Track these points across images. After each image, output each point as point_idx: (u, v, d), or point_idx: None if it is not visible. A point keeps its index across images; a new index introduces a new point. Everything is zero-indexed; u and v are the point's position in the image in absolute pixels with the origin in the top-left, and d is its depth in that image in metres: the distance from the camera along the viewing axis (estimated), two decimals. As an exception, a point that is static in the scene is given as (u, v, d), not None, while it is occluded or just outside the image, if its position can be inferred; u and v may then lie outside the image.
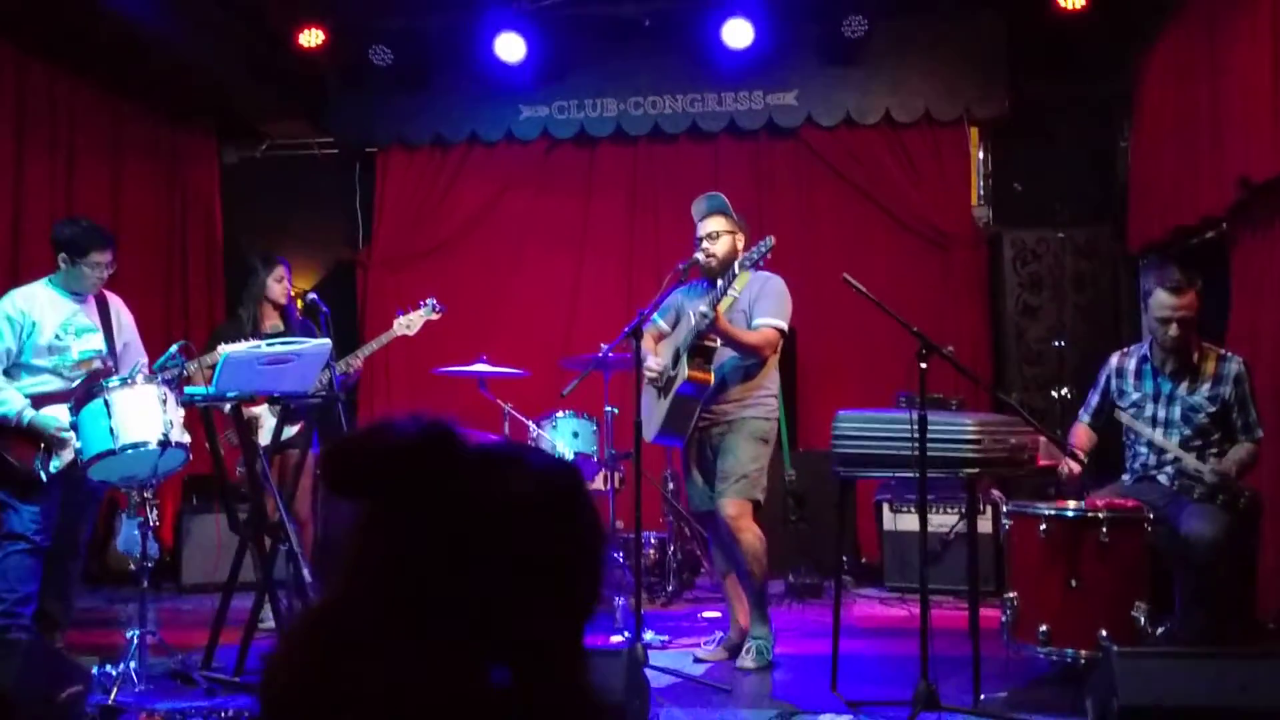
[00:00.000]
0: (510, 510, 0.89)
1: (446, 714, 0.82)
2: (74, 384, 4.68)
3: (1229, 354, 4.56)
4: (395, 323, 5.71)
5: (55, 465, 4.57)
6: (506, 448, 0.93)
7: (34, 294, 4.74)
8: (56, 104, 6.75)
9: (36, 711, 3.54)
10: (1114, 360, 4.78)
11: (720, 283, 4.62)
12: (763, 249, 4.49)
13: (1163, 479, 4.53)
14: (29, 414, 4.53)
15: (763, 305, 4.71)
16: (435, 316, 5.75)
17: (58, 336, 4.69)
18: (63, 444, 4.55)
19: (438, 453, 0.90)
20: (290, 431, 5.23)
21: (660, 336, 4.97)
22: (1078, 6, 6.69)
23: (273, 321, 5.62)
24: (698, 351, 4.60)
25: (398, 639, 0.84)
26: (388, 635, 0.84)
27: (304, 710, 0.83)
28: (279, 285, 5.60)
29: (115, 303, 4.97)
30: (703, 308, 4.53)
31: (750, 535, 4.67)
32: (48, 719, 3.57)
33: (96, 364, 4.76)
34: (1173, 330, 4.44)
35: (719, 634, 5.02)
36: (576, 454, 5.92)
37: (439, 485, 0.88)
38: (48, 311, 4.70)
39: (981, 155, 7.72)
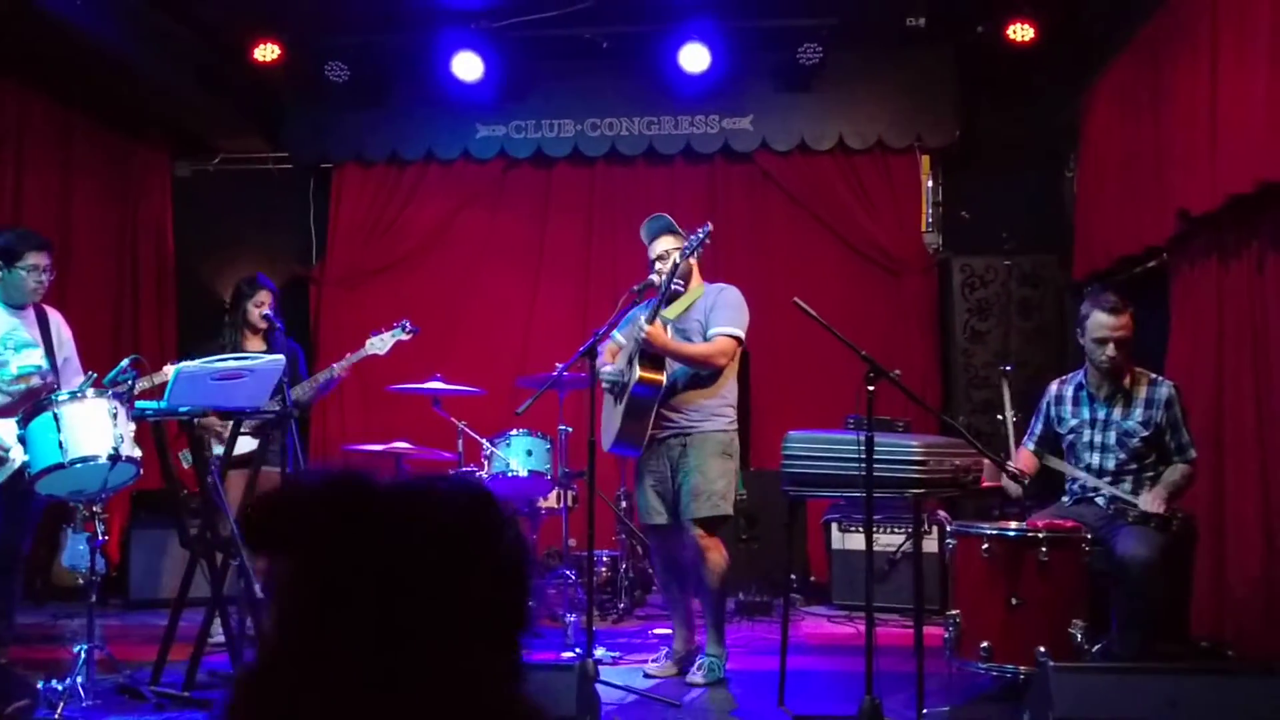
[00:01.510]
0: (427, 541, 0.90)
1: None
2: (11, 399, 4.63)
3: (1160, 378, 4.70)
4: (367, 342, 5.72)
5: None
6: (416, 482, 0.95)
7: None
8: (5, 117, 6.70)
9: (-18, 726, 3.52)
10: (1053, 388, 4.91)
11: (664, 279, 4.70)
12: (700, 235, 4.58)
13: (1100, 501, 4.65)
14: None
15: (718, 315, 4.78)
16: (406, 338, 5.77)
17: None
18: (1, 460, 4.50)
19: (349, 498, 0.92)
20: (249, 445, 5.21)
21: (619, 350, 5.03)
22: (1027, 39, 6.86)
23: (255, 345, 5.58)
24: (647, 356, 4.66)
25: (336, 683, 0.86)
26: (325, 682, 0.86)
27: None
28: (257, 310, 5.57)
29: (55, 317, 4.92)
30: (642, 323, 4.59)
31: (716, 554, 4.73)
32: (-7, 734, 3.55)
33: (35, 380, 4.70)
34: (1109, 350, 4.57)
35: (664, 649, 5.06)
36: (530, 472, 5.95)
37: (355, 529, 0.89)
38: None
39: (931, 183, 7.88)
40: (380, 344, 5.72)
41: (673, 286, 4.70)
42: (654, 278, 4.85)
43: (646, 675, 4.86)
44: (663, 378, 4.66)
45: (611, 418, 4.84)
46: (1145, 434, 4.58)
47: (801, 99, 7.61)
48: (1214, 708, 3.32)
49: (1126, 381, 4.65)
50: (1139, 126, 6.09)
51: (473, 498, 0.96)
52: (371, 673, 0.87)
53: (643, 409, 4.69)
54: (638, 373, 4.64)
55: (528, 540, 0.98)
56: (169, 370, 4.84)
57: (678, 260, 4.64)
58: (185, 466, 5.00)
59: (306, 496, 0.92)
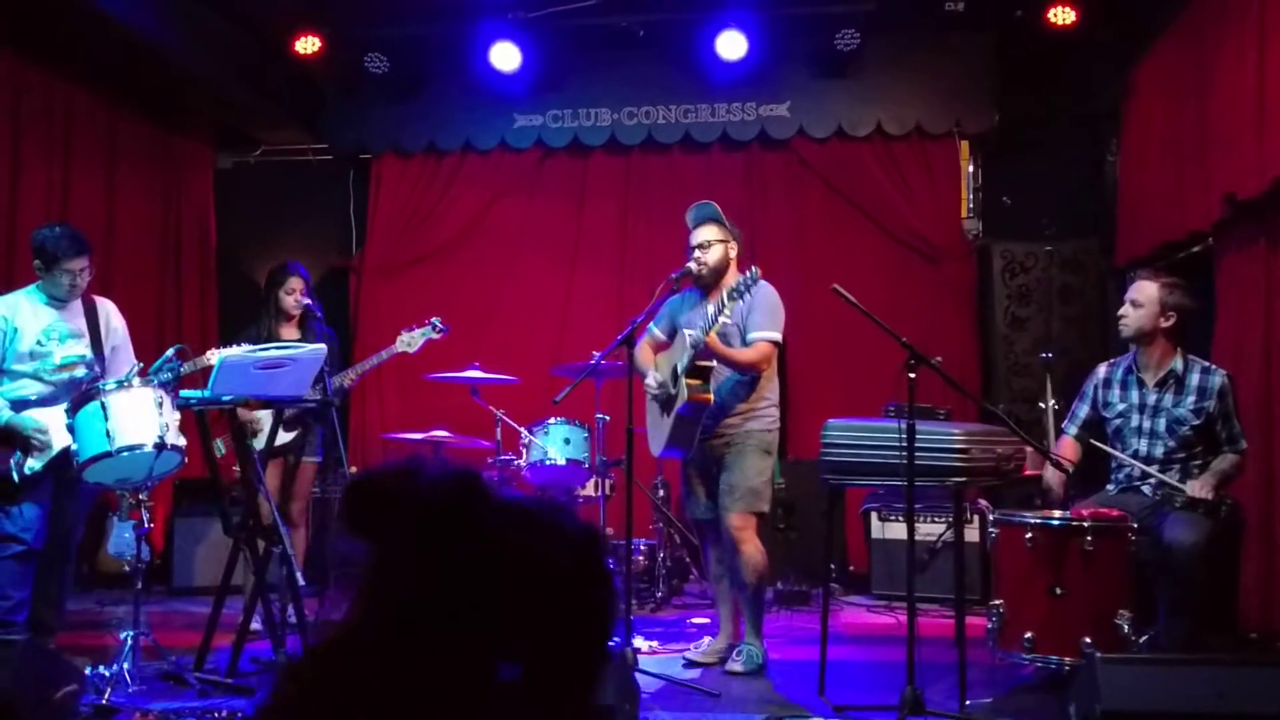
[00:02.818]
0: (535, 572, 0.89)
1: None
2: (55, 388, 4.69)
3: (1213, 367, 4.63)
4: (398, 339, 5.72)
5: (31, 467, 4.57)
6: (534, 504, 0.94)
7: (15, 302, 4.75)
8: (53, 111, 6.78)
9: (32, 711, 3.57)
10: (1100, 371, 4.85)
11: (711, 309, 4.65)
12: (748, 280, 4.49)
13: (1146, 489, 4.59)
14: (5, 415, 4.55)
15: (755, 319, 4.76)
16: (437, 337, 5.74)
17: (39, 343, 4.69)
18: (40, 446, 4.57)
19: (466, 504, 0.90)
20: (285, 437, 5.26)
21: (658, 346, 5.01)
22: (1068, 23, 6.77)
23: (290, 333, 5.61)
24: (695, 372, 4.64)
25: (406, 677, 0.85)
26: (397, 673, 0.85)
27: None
28: (289, 297, 5.57)
29: (105, 307, 4.97)
30: (695, 333, 4.57)
31: (751, 548, 4.73)
32: (43, 719, 3.60)
33: (80, 369, 4.77)
34: (1124, 309, 4.63)
35: (707, 639, 5.06)
36: (568, 460, 5.96)
37: (466, 537, 0.88)
38: (29, 318, 4.71)
39: (971, 169, 7.79)
40: (410, 341, 5.70)
41: (717, 309, 4.61)
42: (691, 265, 4.83)
43: (687, 664, 4.85)
44: (710, 398, 4.65)
45: (659, 425, 4.86)
46: (1196, 422, 4.52)
47: (839, 85, 7.56)
48: (1264, 700, 3.27)
49: (1179, 367, 4.59)
50: (1182, 110, 5.99)
51: (587, 539, 0.95)
52: (444, 670, 0.86)
53: (691, 423, 4.70)
54: (684, 393, 4.62)
55: (615, 589, 0.97)
56: (212, 355, 4.89)
57: (724, 301, 4.54)
58: (219, 455, 5.03)
59: (425, 489, 0.90)
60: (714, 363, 4.66)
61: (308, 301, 5.54)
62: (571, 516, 0.96)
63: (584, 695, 0.93)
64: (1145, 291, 4.55)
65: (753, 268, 4.53)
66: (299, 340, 5.47)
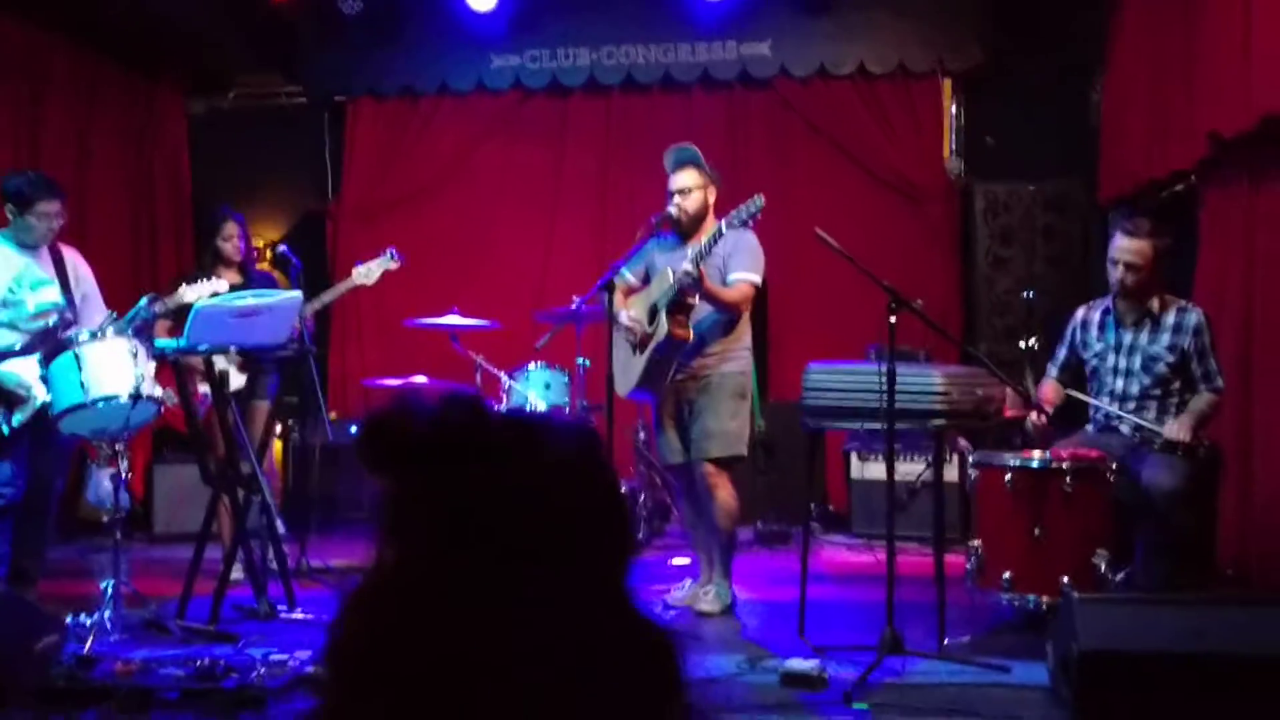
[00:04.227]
0: (552, 468, 0.93)
1: (514, 668, 0.86)
2: (30, 337, 4.64)
3: (1190, 305, 4.63)
4: (354, 272, 5.61)
5: (17, 419, 4.54)
6: (533, 414, 1.00)
7: None
8: (20, 54, 6.63)
9: (13, 662, 3.57)
10: (1079, 313, 4.85)
11: (704, 241, 4.60)
12: (751, 209, 4.41)
13: (1125, 429, 4.60)
14: None
15: (737, 260, 4.72)
16: (394, 266, 5.58)
17: (11, 290, 4.63)
18: (22, 399, 4.52)
19: (472, 422, 0.94)
20: (238, 381, 5.17)
21: (629, 290, 4.96)
22: (1052, -42, 6.67)
23: (231, 278, 5.54)
24: (677, 309, 4.61)
25: (456, 598, 0.88)
26: (446, 595, 0.88)
27: (376, 673, 0.87)
28: (228, 244, 5.48)
29: (71, 255, 4.91)
30: (687, 266, 4.50)
31: (724, 493, 4.74)
32: (25, 669, 3.59)
33: (54, 317, 4.71)
34: (1119, 272, 4.53)
35: (688, 581, 5.08)
36: (549, 406, 5.95)
37: (479, 452, 0.91)
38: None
39: (954, 109, 7.73)
40: (367, 274, 5.54)
41: (706, 246, 4.56)
42: (672, 210, 4.77)
43: (667, 605, 4.88)
44: (690, 334, 4.62)
45: (629, 363, 4.80)
46: (1171, 360, 4.52)
47: (821, 23, 7.45)
48: (1240, 639, 3.30)
49: (1155, 306, 4.58)
50: (1168, 46, 5.93)
51: (588, 432, 0.99)
52: (489, 591, 0.88)
53: (666, 362, 4.67)
54: (665, 328, 4.58)
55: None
56: (185, 292, 4.78)
57: (723, 229, 4.49)
58: (170, 405, 4.95)
59: (424, 419, 0.93)
60: (697, 300, 4.62)
61: (235, 245, 5.41)
62: (564, 419, 1.02)
63: (616, 591, 0.95)
64: (1143, 253, 4.48)
65: (757, 196, 4.45)
66: (242, 285, 5.40)
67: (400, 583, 0.90)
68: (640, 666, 0.92)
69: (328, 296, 5.60)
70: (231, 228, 5.50)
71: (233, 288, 5.21)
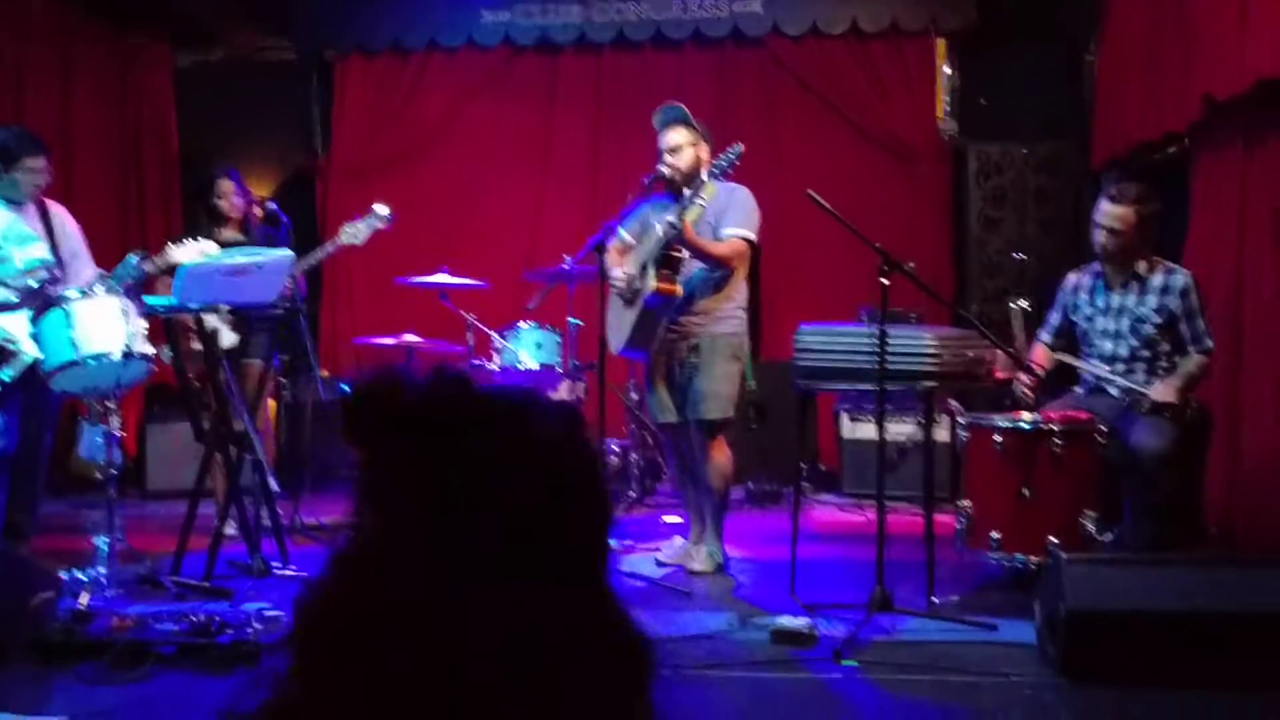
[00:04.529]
0: (540, 445, 0.93)
1: (496, 645, 0.87)
2: (19, 294, 4.61)
3: (1177, 267, 4.65)
4: (341, 231, 5.52)
5: (6, 374, 4.52)
6: (519, 390, 0.98)
7: None
8: (3, 11, 6.53)
9: (9, 617, 3.59)
10: (1071, 278, 4.87)
11: (687, 192, 4.61)
12: (730, 156, 4.46)
13: (1114, 391, 4.63)
14: None
15: (730, 216, 4.71)
16: (382, 226, 5.49)
17: None
18: (11, 354, 4.51)
19: (461, 396, 0.94)
20: (230, 340, 5.14)
21: (625, 250, 4.96)
22: (1048, -84, 6.62)
23: (230, 234, 5.51)
24: (665, 263, 4.60)
25: (439, 571, 0.88)
26: (429, 568, 0.88)
27: (354, 643, 0.87)
28: (224, 201, 5.47)
29: (57, 211, 4.88)
30: (670, 218, 4.51)
31: (720, 455, 4.77)
32: (20, 625, 3.61)
33: (42, 273, 4.67)
34: (1100, 237, 4.56)
35: (678, 539, 5.11)
36: (540, 365, 5.96)
37: (467, 426, 0.91)
38: None
39: (949, 70, 7.69)
40: (355, 233, 5.43)
41: (689, 197, 4.57)
42: (664, 169, 4.75)
43: (658, 563, 4.92)
44: (678, 289, 4.61)
45: (621, 320, 4.79)
46: (1158, 321, 4.54)
47: (814, -20, 7.40)
48: (1225, 599, 3.35)
49: (1142, 269, 4.60)
50: (1164, 7, 5.90)
51: (572, 411, 0.99)
52: (473, 566, 0.88)
53: (655, 318, 4.66)
54: (653, 283, 4.57)
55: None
56: (172, 252, 4.76)
57: (704, 178, 4.52)
58: (165, 362, 4.94)
59: (411, 393, 0.93)
60: (685, 254, 4.61)
61: (271, 205, 5.41)
62: (548, 399, 1.01)
63: (599, 573, 0.96)
64: (1125, 219, 4.49)
65: (736, 144, 4.47)
66: (245, 242, 5.39)
67: (382, 554, 0.90)
68: (616, 655, 0.93)
69: (316, 255, 5.56)
70: (225, 185, 5.47)
71: (235, 244, 5.20)
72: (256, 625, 3.68)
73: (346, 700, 0.86)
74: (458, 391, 0.94)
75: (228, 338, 5.00)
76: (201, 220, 5.55)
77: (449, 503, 0.89)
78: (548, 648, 0.88)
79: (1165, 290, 4.56)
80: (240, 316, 4.99)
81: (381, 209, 5.47)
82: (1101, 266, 4.70)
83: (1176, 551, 4.15)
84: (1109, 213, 4.52)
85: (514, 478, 0.90)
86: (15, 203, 4.68)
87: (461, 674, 0.86)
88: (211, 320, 4.96)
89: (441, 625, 0.86)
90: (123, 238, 7.29)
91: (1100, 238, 4.56)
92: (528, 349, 5.97)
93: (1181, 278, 4.57)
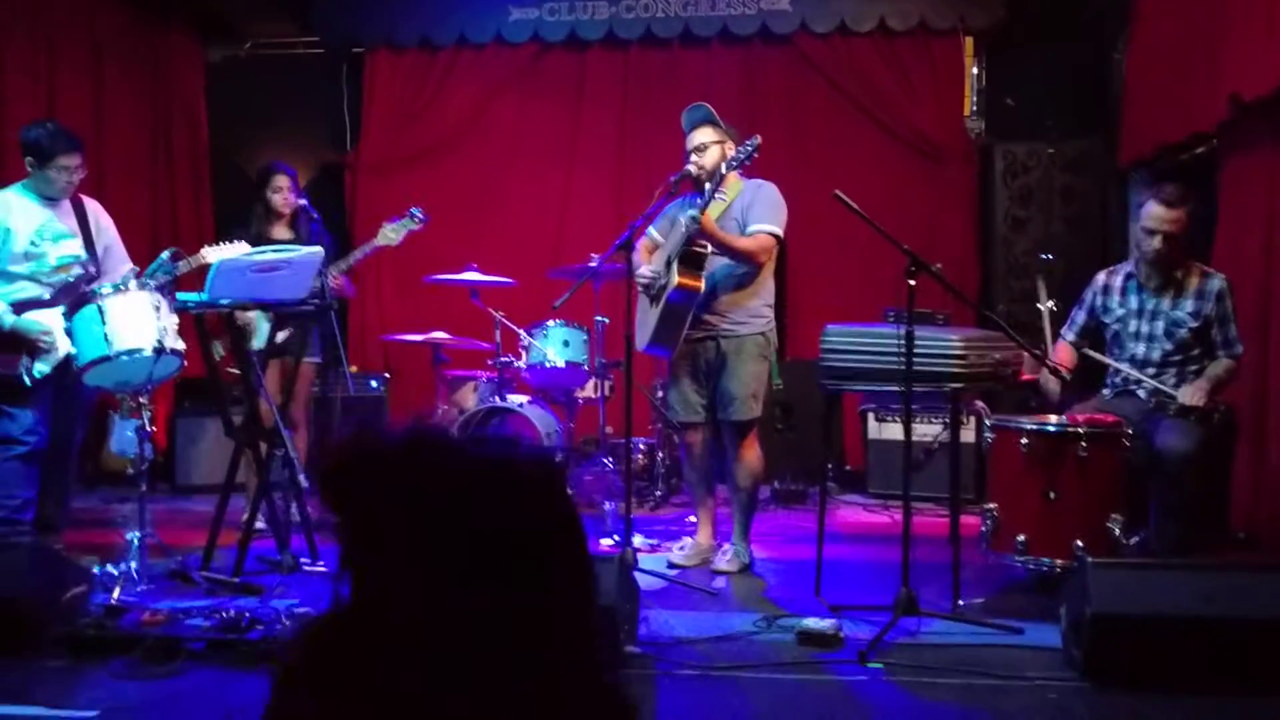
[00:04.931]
0: (518, 503, 0.94)
1: (473, 701, 0.88)
2: (53, 290, 4.67)
3: (1213, 271, 4.62)
4: (379, 233, 5.61)
5: (40, 370, 4.58)
6: (494, 444, 0.98)
7: (6, 200, 4.69)
8: (34, 5, 6.60)
9: (43, 612, 3.64)
10: (1100, 278, 4.84)
11: (708, 186, 4.62)
12: (748, 148, 4.47)
13: (1141, 394, 4.62)
14: (10, 319, 4.53)
15: (757, 212, 4.71)
16: (417, 227, 5.60)
17: (33, 243, 4.66)
18: (46, 349, 4.57)
19: (438, 461, 0.94)
20: (283, 337, 5.25)
21: (654, 248, 4.97)
22: (1078, -86, 6.58)
23: (281, 233, 5.56)
24: (688, 258, 4.60)
25: (415, 637, 0.89)
26: (403, 633, 0.89)
27: (319, 704, 0.89)
28: (277, 196, 5.50)
29: (92, 207, 4.93)
30: (691, 211, 4.52)
31: (752, 454, 4.79)
32: (53, 619, 3.67)
33: (76, 269, 4.74)
34: (1155, 243, 4.51)
35: (688, 540, 5.11)
36: (567, 362, 5.99)
37: (439, 488, 0.92)
38: (20, 218, 4.66)
39: (976, 70, 7.66)
40: (392, 234, 5.56)
41: (710, 191, 4.59)
42: (690, 168, 4.76)
43: (671, 565, 4.92)
44: (701, 284, 4.61)
45: (646, 317, 4.81)
46: (1194, 325, 4.52)
47: (842, -22, 7.39)
48: (1251, 603, 3.34)
49: (1178, 273, 4.57)
50: (1193, 6, 5.86)
51: (550, 464, 0.99)
52: (451, 622, 0.90)
53: (679, 314, 4.66)
54: (676, 278, 4.58)
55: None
56: (206, 253, 4.87)
57: (723, 171, 4.54)
58: (217, 358, 5.02)
59: (385, 456, 0.94)
60: (708, 249, 4.61)
61: (302, 201, 5.47)
62: (526, 445, 1.00)
63: (581, 618, 0.97)
64: (1179, 222, 4.45)
65: (754, 136, 4.48)
66: (292, 240, 5.44)
67: (361, 613, 0.92)
68: (597, 704, 0.94)
69: (355, 256, 5.62)
70: (282, 180, 5.51)
71: (284, 242, 5.25)
72: (286, 622, 3.72)
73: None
74: (435, 455, 0.94)
75: (278, 335, 5.08)
76: (255, 215, 5.60)
77: (430, 562, 0.90)
78: (533, 696, 0.90)
79: (1201, 294, 4.53)
80: (292, 316, 5.05)
81: (417, 211, 5.59)
82: (1136, 268, 4.67)
83: (1202, 555, 4.13)
84: (1164, 216, 4.48)
85: (494, 536, 0.91)
86: (50, 199, 4.73)
87: (466, 689, 0.88)
88: (261, 318, 5.06)
89: (419, 682, 0.88)
90: (153, 231, 7.37)
91: (1155, 243, 4.50)
92: (555, 347, 6.00)
93: (1218, 281, 4.54)
